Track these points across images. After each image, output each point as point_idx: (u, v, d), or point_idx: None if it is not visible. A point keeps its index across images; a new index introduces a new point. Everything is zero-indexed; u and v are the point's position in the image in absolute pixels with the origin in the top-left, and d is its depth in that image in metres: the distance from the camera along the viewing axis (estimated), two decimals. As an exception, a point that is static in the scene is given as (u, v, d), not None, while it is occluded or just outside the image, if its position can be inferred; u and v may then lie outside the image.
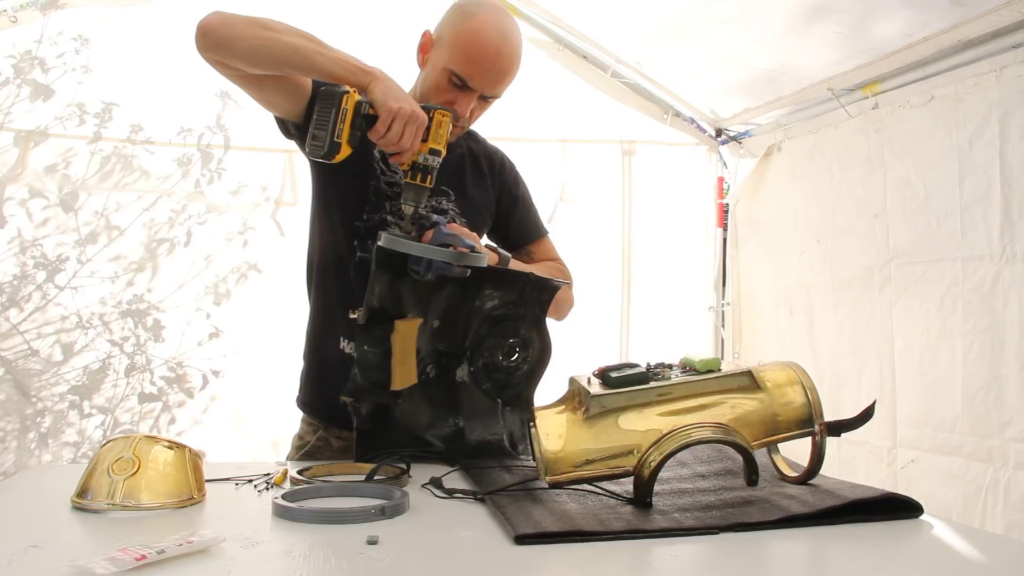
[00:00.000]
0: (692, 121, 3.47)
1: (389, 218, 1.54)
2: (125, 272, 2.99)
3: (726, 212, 3.55)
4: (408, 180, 1.37)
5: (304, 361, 1.68)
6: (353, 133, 1.30)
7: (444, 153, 1.38)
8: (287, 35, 1.36)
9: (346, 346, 1.55)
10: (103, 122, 2.89)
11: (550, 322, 1.45)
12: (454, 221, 1.54)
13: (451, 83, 1.47)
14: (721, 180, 3.57)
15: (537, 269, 1.61)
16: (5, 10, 2.74)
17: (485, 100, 1.52)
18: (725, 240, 3.55)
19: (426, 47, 1.55)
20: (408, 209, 1.37)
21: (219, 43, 1.36)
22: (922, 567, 0.94)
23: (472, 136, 1.71)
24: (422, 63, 1.56)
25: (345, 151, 1.31)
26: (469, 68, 1.46)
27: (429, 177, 1.36)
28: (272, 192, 3.12)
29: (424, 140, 1.35)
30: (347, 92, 1.29)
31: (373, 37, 2.45)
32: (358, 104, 1.30)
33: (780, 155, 3.26)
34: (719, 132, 3.51)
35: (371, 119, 1.31)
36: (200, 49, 1.37)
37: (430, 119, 1.35)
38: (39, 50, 2.80)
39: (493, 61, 1.46)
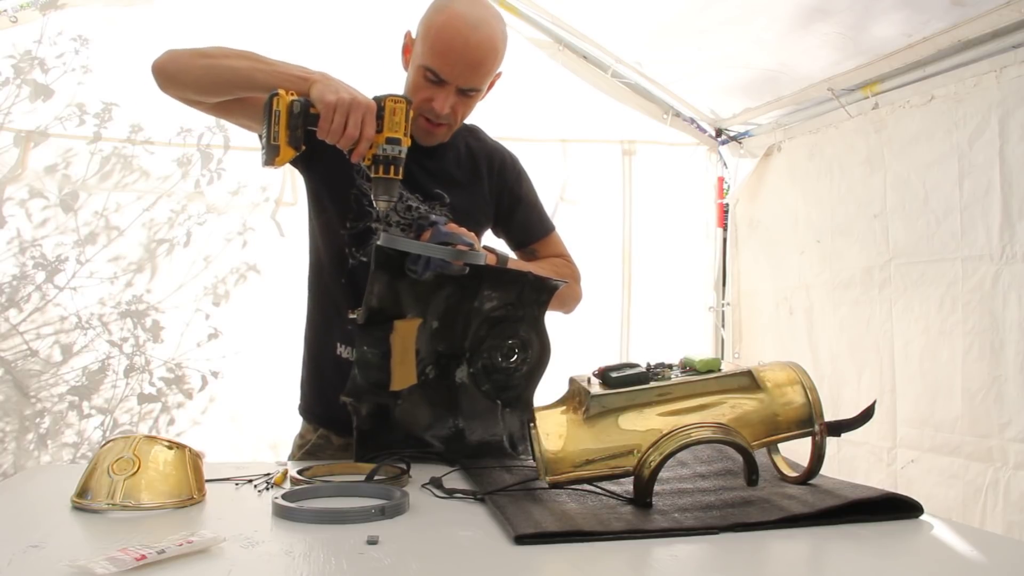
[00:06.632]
0: (692, 121, 3.47)
1: (374, 225, 1.53)
2: (124, 273, 2.99)
3: (726, 212, 3.55)
4: (374, 175, 1.33)
5: (303, 367, 1.69)
6: (292, 134, 1.29)
7: (407, 142, 1.33)
8: (226, 59, 1.38)
9: (343, 351, 1.55)
10: (103, 122, 2.89)
11: (551, 321, 1.43)
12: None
13: (427, 79, 1.46)
14: (721, 180, 3.57)
15: (541, 266, 1.60)
16: (5, 10, 2.74)
17: (466, 95, 1.49)
18: (725, 240, 3.55)
19: (408, 48, 1.54)
20: (382, 205, 1.34)
21: (170, 79, 1.42)
22: (922, 567, 0.94)
23: (474, 133, 1.69)
24: (405, 64, 1.55)
25: (287, 153, 1.30)
26: (439, 61, 1.44)
27: (394, 168, 1.32)
28: (272, 192, 3.11)
29: (380, 131, 1.31)
30: (276, 95, 1.28)
31: (368, 38, 2.46)
32: (291, 104, 1.28)
33: (780, 155, 3.26)
34: (719, 132, 3.51)
35: (316, 118, 1.30)
36: (160, 89, 1.42)
37: (383, 108, 1.31)
38: (39, 50, 2.80)
39: (462, 52, 1.43)
